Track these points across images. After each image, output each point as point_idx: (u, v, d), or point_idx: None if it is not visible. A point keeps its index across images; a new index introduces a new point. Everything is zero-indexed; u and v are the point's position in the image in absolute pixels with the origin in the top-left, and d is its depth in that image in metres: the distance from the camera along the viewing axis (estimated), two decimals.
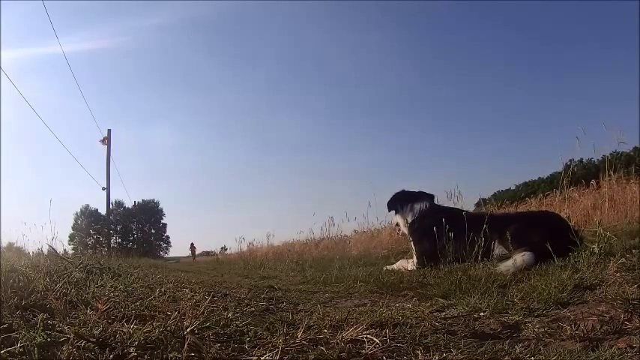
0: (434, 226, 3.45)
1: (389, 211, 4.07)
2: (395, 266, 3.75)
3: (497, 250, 3.15)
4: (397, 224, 3.99)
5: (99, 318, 1.36)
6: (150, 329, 1.20)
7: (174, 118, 73.52)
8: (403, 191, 4.02)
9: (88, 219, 50.22)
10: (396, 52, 60.72)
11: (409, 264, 3.66)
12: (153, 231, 59.88)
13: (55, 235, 5.42)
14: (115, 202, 46.39)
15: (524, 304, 1.77)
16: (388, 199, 4.08)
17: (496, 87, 59.88)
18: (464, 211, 3.78)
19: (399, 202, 3.93)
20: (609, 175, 5.69)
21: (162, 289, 2.08)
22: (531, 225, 3.10)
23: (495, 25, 56.15)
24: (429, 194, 3.96)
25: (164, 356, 1.08)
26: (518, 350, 1.25)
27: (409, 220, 3.79)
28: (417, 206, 3.78)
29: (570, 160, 6.10)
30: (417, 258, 3.63)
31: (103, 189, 15.56)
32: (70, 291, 1.78)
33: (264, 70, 68.88)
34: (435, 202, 4.03)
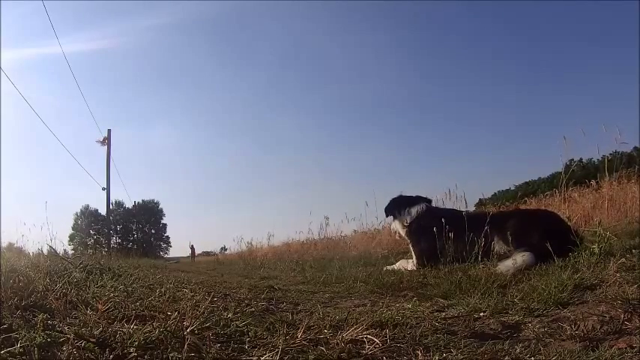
0: (432, 226, 3.46)
1: (387, 216, 4.09)
2: (395, 266, 3.75)
3: (497, 247, 3.14)
4: (396, 230, 4.01)
5: (99, 318, 1.36)
6: (150, 329, 1.20)
7: (174, 118, 73.77)
8: (400, 196, 4.03)
9: (88, 219, 50.26)
10: (395, 52, 60.80)
11: (409, 264, 3.66)
12: (153, 231, 59.93)
13: (54, 235, 5.43)
14: (115, 202, 46.44)
15: (524, 304, 1.77)
16: (387, 201, 4.10)
17: (496, 87, 59.97)
18: (463, 211, 3.79)
19: (397, 206, 3.95)
20: (609, 175, 5.69)
21: (163, 290, 2.08)
22: (531, 225, 3.10)
23: (496, 24, 56.23)
24: (426, 198, 3.98)
25: (164, 356, 1.08)
26: (518, 350, 1.25)
27: (407, 222, 3.80)
28: (415, 209, 3.80)
29: (570, 160, 6.10)
30: (417, 258, 3.63)
31: (103, 189, 15.59)
32: (70, 291, 1.79)
33: (264, 70, 69.07)
34: (433, 206, 4.04)
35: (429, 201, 3.99)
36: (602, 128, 5.35)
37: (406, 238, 3.88)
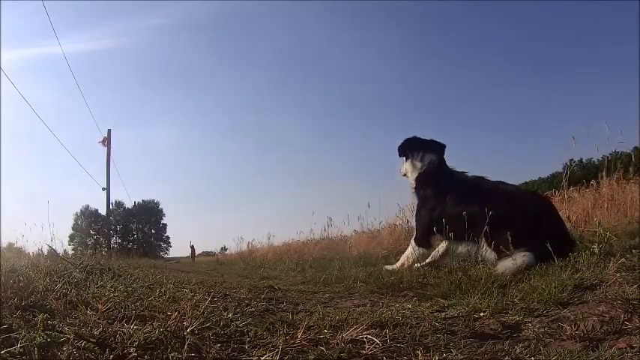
0: (441, 196, 3.39)
1: (399, 156, 3.93)
2: (396, 265, 3.64)
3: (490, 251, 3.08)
4: (405, 174, 3.84)
5: (99, 318, 1.36)
6: (150, 329, 1.20)
7: (174, 118, 74.10)
8: (415, 137, 3.86)
9: (88, 219, 50.30)
10: (396, 51, 60.86)
11: (408, 249, 3.59)
12: (153, 231, 59.93)
13: (54, 235, 5.43)
14: (115, 202, 46.45)
15: (524, 304, 1.77)
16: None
17: (496, 86, 60.02)
18: (479, 177, 3.49)
19: (410, 148, 3.79)
20: (609, 175, 5.69)
21: (163, 290, 2.08)
22: (533, 224, 3.04)
23: (495, 23, 56.26)
24: (440, 144, 3.77)
25: (164, 356, 1.08)
26: (518, 350, 1.25)
27: (418, 171, 3.66)
28: (428, 157, 3.64)
29: (570, 160, 6.10)
30: (416, 232, 3.54)
31: (103, 189, 15.60)
32: (70, 291, 1.78)
33: (265, 70, 69.19)
34: (448, 165, 3.75)
35: (443, 148, 3.76)
36: (602, 128, 5.36)
37: (413, 193, 3.73)
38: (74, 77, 14.40)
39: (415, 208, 3.71)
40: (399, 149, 3.93)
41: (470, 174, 3.55)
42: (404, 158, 3.87)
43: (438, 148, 3.74)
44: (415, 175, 3.68)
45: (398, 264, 3.68)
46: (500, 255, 2.84)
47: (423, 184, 3.63)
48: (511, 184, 3.53)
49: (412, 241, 3.64)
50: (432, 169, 3.60)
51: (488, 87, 61.93)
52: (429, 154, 3.66)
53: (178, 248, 55.66)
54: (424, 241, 3.49)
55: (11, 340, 1.09)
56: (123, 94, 74.16)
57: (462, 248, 3.34)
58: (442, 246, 3.54)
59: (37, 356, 1.02)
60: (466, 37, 61.70)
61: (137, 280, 2.59)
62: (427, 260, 3.58)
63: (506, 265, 2.68)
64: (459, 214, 3.20)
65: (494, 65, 60.48)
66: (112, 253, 11.83)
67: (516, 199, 3.29)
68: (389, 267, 3.72)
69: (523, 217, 3.07)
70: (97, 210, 46.53)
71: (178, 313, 1.37)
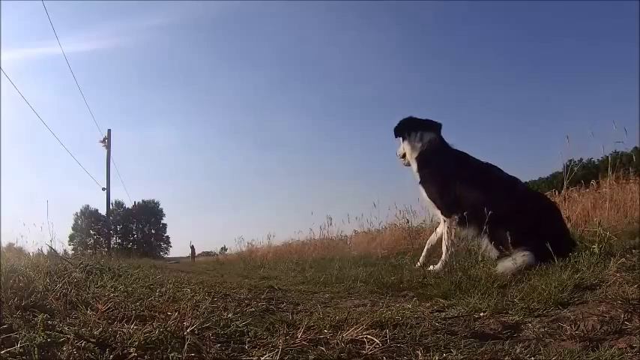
0: (445, 172, 3.35)
1: (396, 137, 3.82)
2: (443, 258, 3.29)
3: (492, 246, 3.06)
4: (403, 156, 3.75)
5: (99, 318, 1.36)
6: (150, 329, 1.20)
7: (174, 118, 74.18)
8: (412, 117, 3.77)
9: (88, 219, 50.29)
10: (396, 51, 60.87)
11: (441, 227, 3.42)
12: (153, 231, 59.93)
13: (54, 235, 5.42)
14: (115, 202, 46.43)
15: (524, 304, 1.76)
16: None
17: (496, 86, 60.03)
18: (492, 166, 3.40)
19: (407, 128, 3.70)
20: (609, 175, 5.69)
21: (163, 290, 2.08)
22: (533, 223, 3.02)
23: (495, 23, 56.28)
24: (436, 123, 3.69)
25: (164, 356, 1.08)
26: (518, 350, 1.25)
27: (418, 150, 3.58)
28: (427, 136, 3.56)
29: (570, 160, 6.09)
30: (444, 208, 3.35)
31: (103, 189, 15.56)
32: (70, 291, 1.78)
33: (265, 70, 69.22)
34: (446, 142, 3.68)
35: (440, 127, 3.67)
36: (602, 128, 5.35)
37: (416, 173, 3.62)
38: (74, 77, 14.35)
39: (430, 190, 3.50)
40: (395, 130, 3.82)
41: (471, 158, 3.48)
42: (400, 139, 3.78)
43: (435, 126, 3.67)
44: (415, 154, 3.60)
45: (443, 256, 3.36)
46: (501, 254, 2.84)
47: (425, 162, 3.54)
48: (517, 180, 3.44)
49: (444, 220, 3.40)
50: (433, 147, 3.54)
51: (488, 87, 62.04)
52: (428, 133, 3.58)
53: (178, 248, 55.68)
54: (452, 207, 3.30)
55: (11, 340, 1.09)
56: (123, 94, 74.45)
57: (463, 232, 3.27)
58: (437, 232, 3.52)
59: (37, 356, 1.02)
60: (466, 37, 61.80)
61: (137, 280, 2.59)
62: (423, 254, 3.58)
63: (506, 265, 2.67)
64: (462, 197, 3.18)
65: (494, 65, 60.59)
66: (112, 253, 11.83)
67: (517, 197, 3.25)
68: (436, 267, 3.32)
69: (524, 215, 3.05)
70: (97, 210, 46.51)
71: (178, 313, 1.37)
